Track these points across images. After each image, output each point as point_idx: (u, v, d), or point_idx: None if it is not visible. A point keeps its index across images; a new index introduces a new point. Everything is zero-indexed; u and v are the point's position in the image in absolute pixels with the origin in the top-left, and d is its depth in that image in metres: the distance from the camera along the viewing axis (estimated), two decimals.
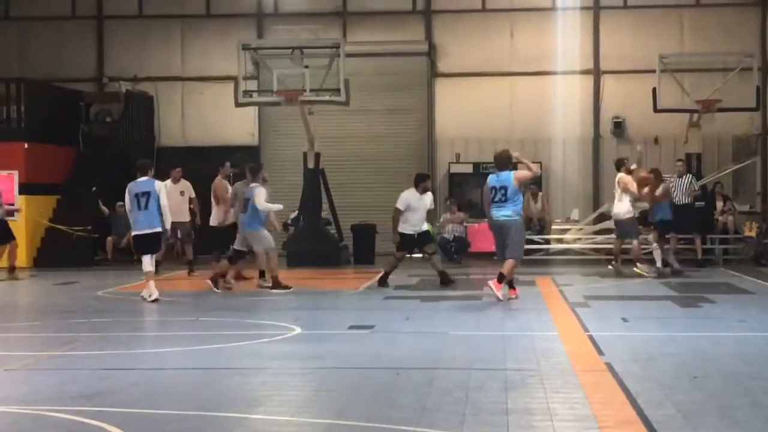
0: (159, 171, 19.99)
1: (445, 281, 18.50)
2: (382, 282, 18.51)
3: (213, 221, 19.75)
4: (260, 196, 18.02)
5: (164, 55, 29.24)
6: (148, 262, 16.85)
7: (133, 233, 17.34)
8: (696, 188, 23.20)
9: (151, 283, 16.72)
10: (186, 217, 21.36)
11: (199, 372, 10.34)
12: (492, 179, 16.29)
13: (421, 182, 18.65)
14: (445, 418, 7.92)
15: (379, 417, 7.97)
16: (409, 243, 18.60)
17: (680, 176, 23.08)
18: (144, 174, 17.06)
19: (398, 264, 18.87)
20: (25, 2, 29.50)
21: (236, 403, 8.68)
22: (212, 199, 19.91)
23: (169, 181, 21.40)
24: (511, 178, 16.06)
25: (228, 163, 20.44)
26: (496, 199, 16.03)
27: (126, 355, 11.52)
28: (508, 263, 15.89)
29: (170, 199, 20.63)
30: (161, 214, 16.85)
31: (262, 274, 18.68)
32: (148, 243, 17.03)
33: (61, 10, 29.45)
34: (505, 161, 16.38)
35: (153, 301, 16.53)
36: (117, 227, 24.84)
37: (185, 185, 21.54)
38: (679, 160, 24.19)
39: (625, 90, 27.75)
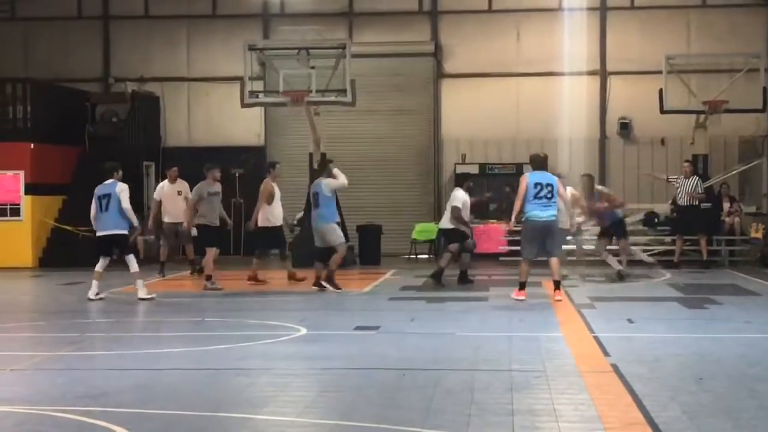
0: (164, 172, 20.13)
1: (464, 280, 19.00)
2: (438, 278, 18.70)
3: (262, 222, 19.31)
4: (332, 184, 18.20)
5: (170, 56, 29.25)
6: (134, 263, 16.93)
7: (97, 234, 17.33)
8: (701, 191, 23.18)
9: (140, 282, 16.88)
10: (175, 218, 20.84)
11: (204, 372, 10.34)
12: (535, 175, 16.26)
13: (464, 182, 19.63)
14: (451, 419, 7.92)
15: (385, 418, 7.96)
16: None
17: (687, 177, 23.08)
18: (110, 176, 17.19)
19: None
20: (32, 3, 29.50)
21: (241, 404, 8.68)
22: (259, 200, 19.43)
23: (166, 182, 21.44)
24: (555, 180, 16.37)
25: (278, 166, 20.05)
26: (541, 196, 16.02)
27: (131, 355, 11.52)
28: (557, 262, 16.37)
29: (167, 199, 20.73)
30: (124, 217, 16.88)
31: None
32: (110, 245, 17.08)
33: (68, 11, 29.46)
34: (543, 161, 16.64)
35: (149, 299, 16.60)
36: None
37: (182, 185, 21.40)
38: (687, 161, 24.18)
39: (632, 91, 27.71)
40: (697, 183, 23.06)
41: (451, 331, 13.04)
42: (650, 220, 25.51)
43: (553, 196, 16.10)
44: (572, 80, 27.68)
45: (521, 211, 16.15)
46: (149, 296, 16.75)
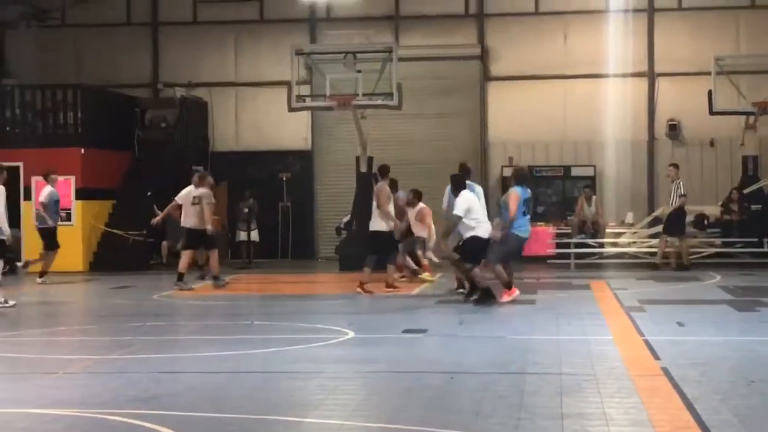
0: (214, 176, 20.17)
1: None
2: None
3: (376, 226, 18.74)
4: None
5: (218, 61, 29.45)
6: None
7: None
8: (682, 193, 23.06)
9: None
10: (201, 224, 20.07)
11: (254, 375, 10.39)
12: (523, 191, 16.75)
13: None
14: (500, 422, 7.90)
15: (433, 421, 7.96)
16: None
17: (672, 181, 23.12)
18: None
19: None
20: (82, 10, 29.81)
21: (291, 407, 8.72)
22: (374, 205, 18.81)
23: (191, 187, 21.16)
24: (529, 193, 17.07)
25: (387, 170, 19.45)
26: (526, 212, 16.72)
27: (181, 358, 11.60)
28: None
29: (186, 204, 20.53)
30: None
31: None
32: None
33: (117, 17, 29.76)
34: (526, 176, 17.51)
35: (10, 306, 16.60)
36: (172, 231, 24.97)
37: (203, 192, 20.29)
38: (671, 164, 24.07)
39: (681, 92, 27.54)
40: (678, 186, 23.06)
41: (500, 334, 13.02)
42: (700, 222, 25.34)
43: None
44: (620, 82, 27.59)
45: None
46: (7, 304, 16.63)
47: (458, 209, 16.35)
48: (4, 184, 16.91)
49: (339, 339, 12.63)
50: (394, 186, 19.49)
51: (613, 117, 27.39)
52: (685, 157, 27.58)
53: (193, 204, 19.69)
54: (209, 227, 19.73)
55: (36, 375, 10.50)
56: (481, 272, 16.48)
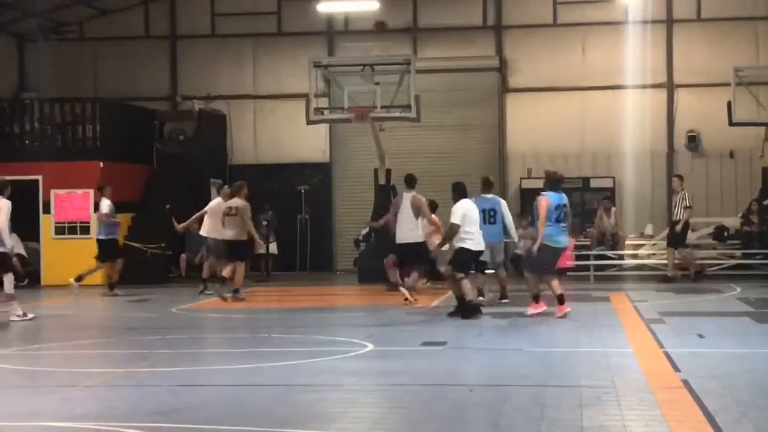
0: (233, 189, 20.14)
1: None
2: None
3: (416, 237, 18.75)
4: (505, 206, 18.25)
5: (236, 74, 29.51)
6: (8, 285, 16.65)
7: None
8: (688, 204, 22.94)
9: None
10: (219, 235, 20.24)
11: (273, 388, 10.37)
12: (557, 197, 15.80)
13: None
14: None
15: None
16: None
17: (676, 192, 23.12)
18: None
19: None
20: (100, 23, 29.93)
21: (310, 420, 8.70)
22: (426, 214, 18.87)
23: (219, 198, 21.24)
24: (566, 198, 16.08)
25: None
26: (560, 219, 15.67)
27: (200, 371, 11.60)
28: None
29: (212, 216, 20.60)
30: None
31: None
32: None
33: (135, 30, 29.85)
34: (560, 181, 16.24)
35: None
36: (191, 244, 25.04)
37: (240, 203, 20.03)
38: (676, 175, 24.00)
39: (700, 103, 27.45)
40: (683, 197, 22.94)
41: (519, 346, 12.98)
42: (720, 233, 25.24)
43: (565, 219, 15.86)
44: (638, 93, 27.51)
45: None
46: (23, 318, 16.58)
47: (454, 217, 16.12)
48: (9, 198, 16.69)
49: (358, 352, 12.61)
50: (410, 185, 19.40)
51: (632, 128, 27.30)
52: (705, 169, 27.49)
53: (230, 215, 19.49)
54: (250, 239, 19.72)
55: (55, 388, 10.51)
56: (470, 284, 16.26)
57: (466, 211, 16.21)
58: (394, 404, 9.45)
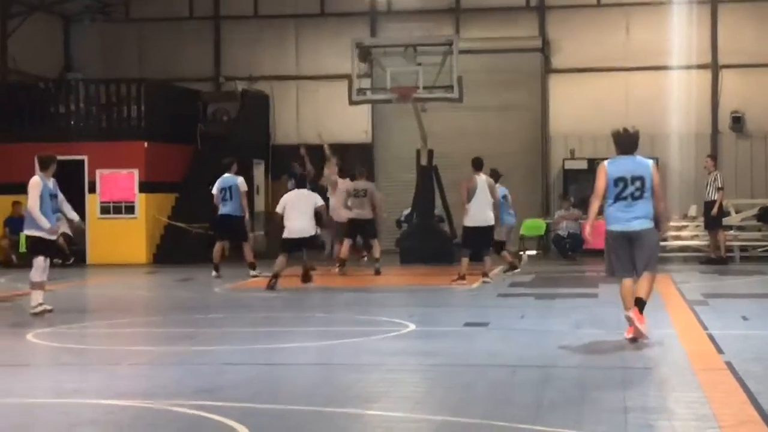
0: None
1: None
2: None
3: (488, 220, 18.66)
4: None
5: (279, 55, 29.58)
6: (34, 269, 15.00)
7: None
8: (720, 185, 22.79)
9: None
10: (367, 214, 21.32)
11: (316, 367, 10.45)
12: (618, 166, 11.51)
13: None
14: (562, 416, 7.88)
15: (495, 414, 7.96)
16: None
17: (709, 173, 23.07)
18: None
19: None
20: (145, 4, 30.10)
21: (353, 399, 8.76)
22: (479, 199, 18.62)
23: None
24: (650, 166, 11.57)
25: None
26: (626, 195, 11.37)
27: (244, 350, 11.70)
28: (648, 280, 11.77)
29: (339, 196, 21.55)
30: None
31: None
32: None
33: (180, 11, 29.99)
34: (635, 142, 11.66)
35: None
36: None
37: (368, 185, 21.82)
38: (708, 156, 23.98)
39: (745, 84, 27.22)
40: (716, 177, 22.72)
41: (561, 327, 12.98)
42: (764, 215, 25.06)
43: (643, 194, 11.42)
44: (682, 74, 27.31)
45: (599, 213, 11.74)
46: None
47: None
48: (54, 176, 15.14)
49: (400, 332, 12.66)
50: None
51: (676, 109, 27.13)
52: (749, 150, 27.27)
53: (357, 196, 20.99)
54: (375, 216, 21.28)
55: (101, 366, 10.64)
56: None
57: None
58: (437, 384, 9.49)
